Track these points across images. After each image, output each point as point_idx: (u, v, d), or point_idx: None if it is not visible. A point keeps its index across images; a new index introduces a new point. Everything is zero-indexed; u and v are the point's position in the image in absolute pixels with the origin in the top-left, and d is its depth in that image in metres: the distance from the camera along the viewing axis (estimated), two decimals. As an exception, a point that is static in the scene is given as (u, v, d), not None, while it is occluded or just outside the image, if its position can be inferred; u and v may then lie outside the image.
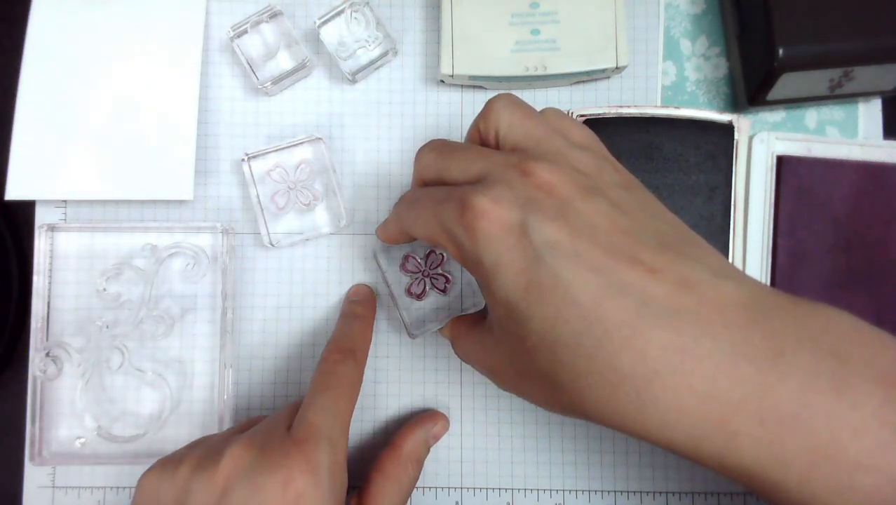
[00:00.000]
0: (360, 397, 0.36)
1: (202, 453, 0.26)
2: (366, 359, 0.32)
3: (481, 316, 0.28)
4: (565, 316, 0.21)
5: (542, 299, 0.21)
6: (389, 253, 0.35)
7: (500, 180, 0.23)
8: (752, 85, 0.35)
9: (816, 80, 0.34)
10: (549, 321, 0.21)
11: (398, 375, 0.36)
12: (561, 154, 0.24)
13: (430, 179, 0.27)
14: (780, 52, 0.32)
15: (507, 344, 0.23)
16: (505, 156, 0.24)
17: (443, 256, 0.36)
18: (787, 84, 0.34)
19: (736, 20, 0.36)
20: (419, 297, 0.35)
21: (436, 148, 0.27)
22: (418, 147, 0.37)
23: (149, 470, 0.27)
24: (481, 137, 0.26)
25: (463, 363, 0.36)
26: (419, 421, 0.34)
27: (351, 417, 0.29)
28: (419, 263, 0.35)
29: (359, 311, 0.34)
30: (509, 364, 0.24)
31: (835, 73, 0.33)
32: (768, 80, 0.33)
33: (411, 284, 0.35)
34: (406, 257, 0.35)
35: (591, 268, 0.21)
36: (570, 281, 0.21)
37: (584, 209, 0.22)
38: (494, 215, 0.22)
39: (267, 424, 0.28)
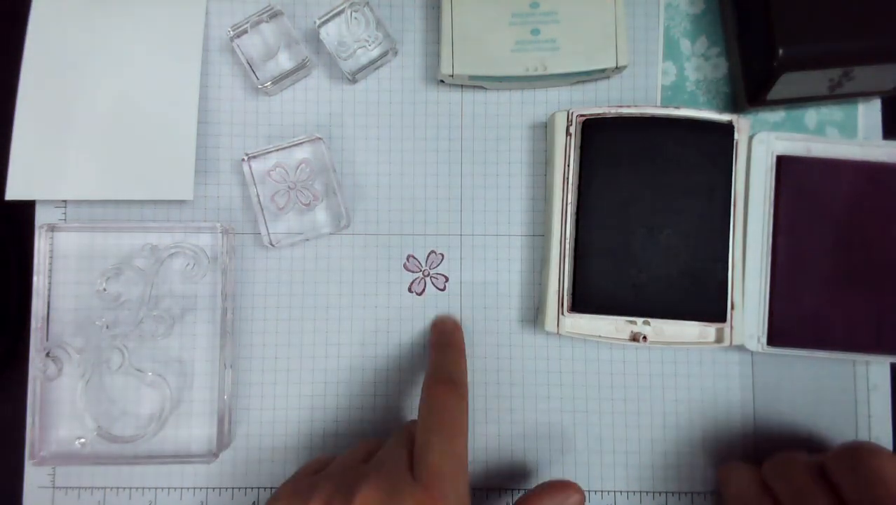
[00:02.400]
0: (355, 398, 0.36)
1: (332, 489, 0.26)
2: (467, 389, 0.31)
3: None
4: None
5: None
6: None
7: None
8: (752, 85, 0.35)
9: (816, 80, 0.34)
10: None
11: (398, 376, 0.36)
12: None
13: None
14: (780, 52, 0.32)
15: None
16: None
17: (442, 256, 0.36)
18: (787, 84, 0.34)
19: (736, 20, 0.36)
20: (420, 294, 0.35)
21: None
22: (418, 147, 0.37)
23: (276, 499, 0.27)
24: None
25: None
26: (551, 489, 0.31)
27: (468, 455, 0.29)
28: (419, 264, 0.35)
29: (452, 339, 0.34)
30: None
31: (835, 73, 0.33)
32: (768, 80, 0.33)
33: (412, 282, 0.35)
34: (408, 257, 0.35)
35: None
36: None
37: None
38: None
39: (389, 461, 0.27)
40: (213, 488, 0.36)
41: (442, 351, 0.33)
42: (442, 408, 0.29)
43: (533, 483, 0.36)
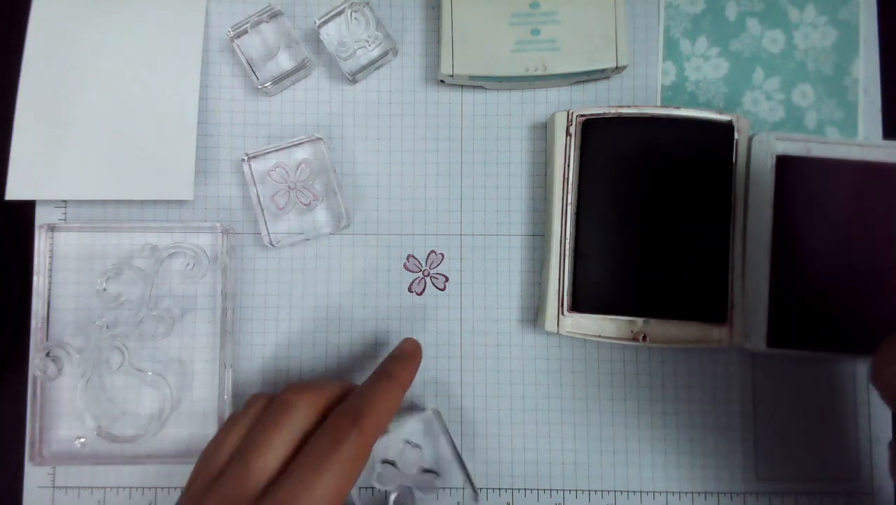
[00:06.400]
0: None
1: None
2: (379, 428, 0.27)
3: None
4: None
5: None
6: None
7: None
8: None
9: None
10: None
11: (398, 375, 0.36)
12: None
13: None
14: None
15: None
16: None
17: (442, 256, 0.36)
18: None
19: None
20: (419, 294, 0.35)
21: None
22: (418, 147, 0.37)
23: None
24: None
25: (463, 364, 0.36)
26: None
27: (346, 496, 0.26)
28: (419, 264, 0.35)
29: (393, 369, 0.30)
30: None
31: None
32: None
33: (412, 283, 0.35)
34: (408, 257, 0.35)
35: None
36: None
37: None
38: None
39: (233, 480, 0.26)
40: (213, 488, 0.36)
41: (374, 379, 0.29)
42: (332, 443, 0.25)
43: (532, 482, 0.36)
